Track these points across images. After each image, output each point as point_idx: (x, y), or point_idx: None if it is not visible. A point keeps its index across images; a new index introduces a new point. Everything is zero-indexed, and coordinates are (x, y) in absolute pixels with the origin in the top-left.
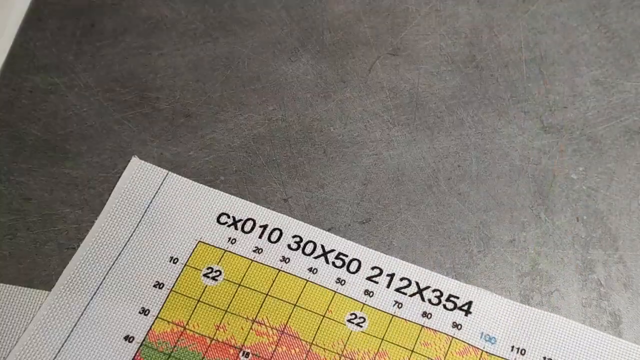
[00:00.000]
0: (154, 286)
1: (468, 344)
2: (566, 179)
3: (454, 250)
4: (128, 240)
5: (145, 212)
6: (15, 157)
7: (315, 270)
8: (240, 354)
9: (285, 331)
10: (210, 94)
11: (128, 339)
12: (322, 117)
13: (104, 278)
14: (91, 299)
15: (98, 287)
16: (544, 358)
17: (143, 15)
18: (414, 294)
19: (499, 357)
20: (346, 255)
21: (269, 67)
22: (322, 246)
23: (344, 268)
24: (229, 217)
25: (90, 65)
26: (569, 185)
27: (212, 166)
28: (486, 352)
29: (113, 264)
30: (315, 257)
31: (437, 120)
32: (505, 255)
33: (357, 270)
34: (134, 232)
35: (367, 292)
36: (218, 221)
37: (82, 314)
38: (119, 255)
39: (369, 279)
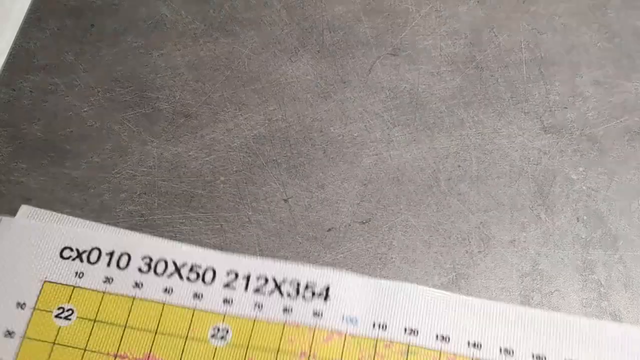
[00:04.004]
0: (5, 336)
1: (331, 330)
2: (566, 179)
3: (454, 251)
4: None
5: None
6: (15, 157)
7: (170, 290)
8: None
9: None
10: (210, 94)
11: None
12: (322, 117)
13: None
14: None
15: None
16: (405, 329)
17: (143, 15)
18: (272, 292)
19: (362, 337)
20: (199, 266)
21: (269, 67)
22: (174, 262)
23: (199, 281)
24: (72, 250)
25: (90, 65)
26: (569, 185)
27: (212, 166)
28: (349, 334)
29: None
30: (169, 276)
31: (437, 120)
32: (506, 255)
33: (212, 280)
34: None
35: (227, 301)
36: (61, 256)
37: None
38: None
39: (226, 286)
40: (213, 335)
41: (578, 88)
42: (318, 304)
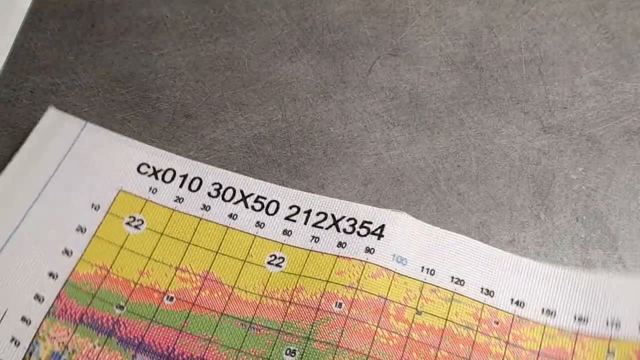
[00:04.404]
0: (76, 230)
1: (380, 266)
2: (566, 179)
3: None
4: (47, 184)
5: (63, 159)
6: None
7: (235, 216)
8: (165, 297)
9: (208, 277)
10: (210, 94)
11: (52, 275)
12: (322, 117)
13: (22, 220)
14: (10, 237)
15: (17, 228)
16: (452, 278)
17: (143, 15)
18: (329, 227)
19: (409, 277)
20: (265, 198)
21: (269, 68)
22: (242, 191)
23: (263, 211)
24: (149, 167)
25: (90, 66)
26: (568, 185)
27: (213, 166)
28: (397, 273)
29: (30, 208)
30: (235, 203)
31: (437, 120)
32: None
33: (275, 212)
34: (52, 177)
35: (286, 232)
36: (138, 171)
37: (1, 249)
38: (36, 198)
39: (287, 218)
40: (270, 262)
41: (577, 88)
42: (372, 241)
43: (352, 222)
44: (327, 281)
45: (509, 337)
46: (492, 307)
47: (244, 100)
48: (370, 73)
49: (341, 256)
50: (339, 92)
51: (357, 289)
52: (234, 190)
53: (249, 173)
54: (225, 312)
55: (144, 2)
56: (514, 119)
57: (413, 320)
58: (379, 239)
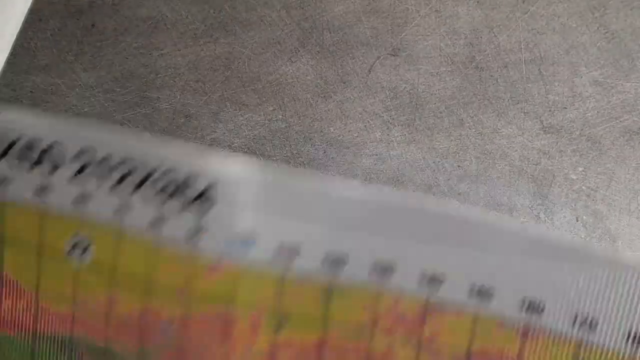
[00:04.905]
0: None
1: (217, 254)
2: (566, 180)
3: None
4: None
5: None
6: None
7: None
8: None
9: (4, 278)
10: (210, 94)
11: None
12: (322, 117)
13: None
14: None
15: None
16: (326, 255)
17: (143, 15)
18: (138, 186)
19: (260, 268)
20: (41, 146)
21: (269, 68)
22: None
23: (42, 166)
24: None
25: (90, 66)
26: (568, 185)
27: None
28: (245, 263)
29: None
30: None
31: (436, 120)
32: None
33: (57, 166)
34: None
35: (81, 198)
36: None
37: None
38: None
39: (78, 173)
40: (71, 251)
41: (577, 88)
42: (200, 211)
43: (171, 177)
44: (146, 282)
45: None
46: (394, 291)
47: (244, 100)
48: (370, 73)
49: (162, 240)
50: (339, 92)
51: (188, 296)
52: None
53: None
54: (38, 331)
55: (144, 2)
56: (514, 119)
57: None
58: (210, 207)
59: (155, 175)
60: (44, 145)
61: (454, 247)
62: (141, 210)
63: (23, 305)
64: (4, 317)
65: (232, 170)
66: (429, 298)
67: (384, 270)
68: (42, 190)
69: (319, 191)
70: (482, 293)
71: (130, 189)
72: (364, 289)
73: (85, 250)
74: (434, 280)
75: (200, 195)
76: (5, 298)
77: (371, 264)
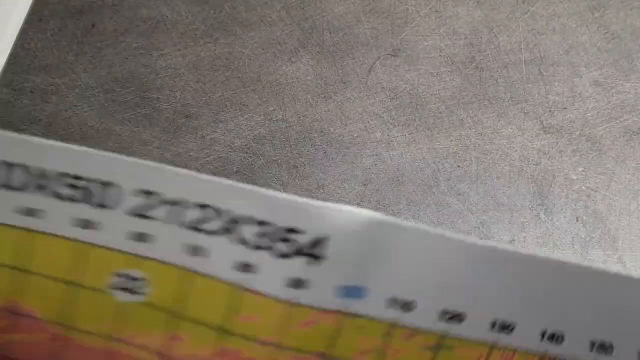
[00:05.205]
0: None
1: (320, 308)
2: (566, 180)
3: None
4: None
5: None
6: None
7: (40, 212)
8: None
9: (17, 311)
10: (210, 95)
11: None
12: (322, 117)
13: None
14: None
15: None
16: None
17: (143, 15)
18: (219, 231)
19: (372, 318)
20: (90, 179)
21: (269, 68)
22: (42, 170)
23: (91, 200)
24: None
25: (90, 66)
26: (568, 185)
27: (213, 167)
28: (350, 313)
29: None
30: (35, 190)
31: (437, 120)
32: None
33: (116, 202)
34: None
35: (139, 236)
36: None
37: None
38: None
39: (137, 215)
40: (117, 285)
41: (577, 88)
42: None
43: (265, 228)
44: (225, 330)
45: None
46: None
47: (244, 100)
48: (370, 73)
49: (248, 288)
50: (339, 92)
51: (278, 346)
52: (27, 168)
53: (249, 173)
54: None
55: (144, 2)
56: (514, 119)
57: None
58: (316, 260)
59: (243, 222)
60: (93, 178)
61: (573, 301)
62: (221, 252)
63: (48, 337)
64: (16, 353)
65: (337, 224)
66: (547, 350)
67: (502, 327)
68: (89, 223)
69: (429, 247)
70: (602, 346)
71: (210, 230)
72: (478, 345)
73: (138, 287)
74: (553, 337)
75: (308, 247)
76: (19, 331)
77: (490, 321)
